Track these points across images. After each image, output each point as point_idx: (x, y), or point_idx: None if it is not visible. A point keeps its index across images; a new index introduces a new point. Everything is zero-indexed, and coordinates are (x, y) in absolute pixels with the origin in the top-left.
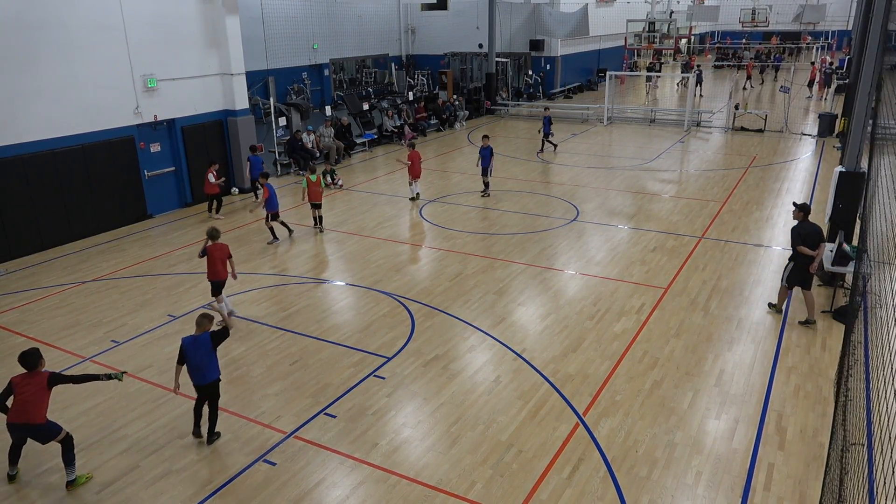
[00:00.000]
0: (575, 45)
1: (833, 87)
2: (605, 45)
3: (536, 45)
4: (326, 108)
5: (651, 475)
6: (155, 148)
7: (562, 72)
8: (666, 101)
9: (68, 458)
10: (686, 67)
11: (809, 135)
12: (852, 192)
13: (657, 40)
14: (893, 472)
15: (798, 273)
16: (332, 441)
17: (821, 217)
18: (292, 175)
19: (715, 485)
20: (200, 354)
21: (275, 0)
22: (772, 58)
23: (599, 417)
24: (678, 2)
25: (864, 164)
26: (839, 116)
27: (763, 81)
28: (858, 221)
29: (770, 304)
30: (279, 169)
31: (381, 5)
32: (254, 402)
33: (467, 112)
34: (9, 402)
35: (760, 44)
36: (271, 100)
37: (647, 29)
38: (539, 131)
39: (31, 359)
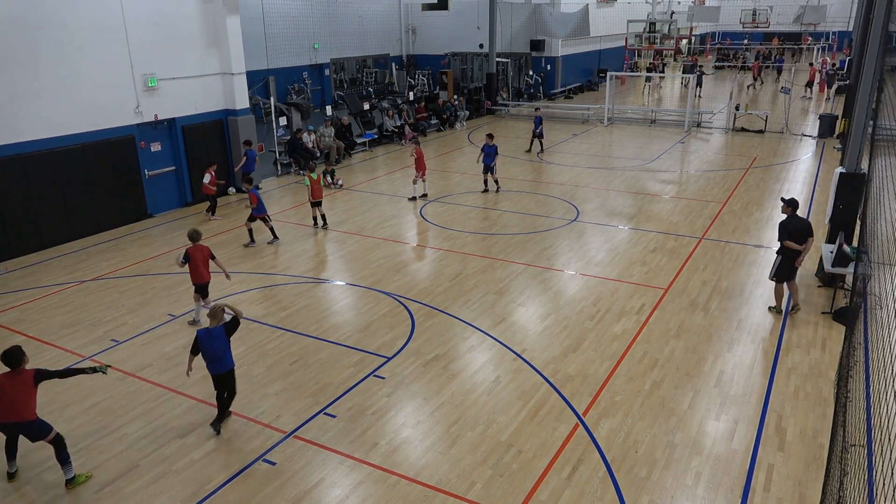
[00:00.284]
0: (575, 45)
1: (834, 87)
2: (605, 45)
3: (537, 45)
4: (327, 107)
5: (651, 476)
6: (155, 147)
7: (562, 72)
8: (668, 102)
9: (62, 456)
10: (692, 68)
11: (810, 136)
12: (853, 193)
13: (658, 41)
14: (893, 473)
15: (786, 267)
16: (331, 441)
17: (821, 218)
18: (293, 175)
19: (715, 485)
20: (216, 346)
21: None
22: (773, 59)
23: (599, 418)
24: (679, 2)
25: (865, 166)
26: (840, 117)
27: (763, 82)
28: (858, 222)
29: (770, 308)
30: (280, 169)
31: (382, 5)
32: (254, 402)
33: (468, 112)
34: None
35: (761, 44)
36: (272, 99)
37: (647, 29)
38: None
39: (13, 357)
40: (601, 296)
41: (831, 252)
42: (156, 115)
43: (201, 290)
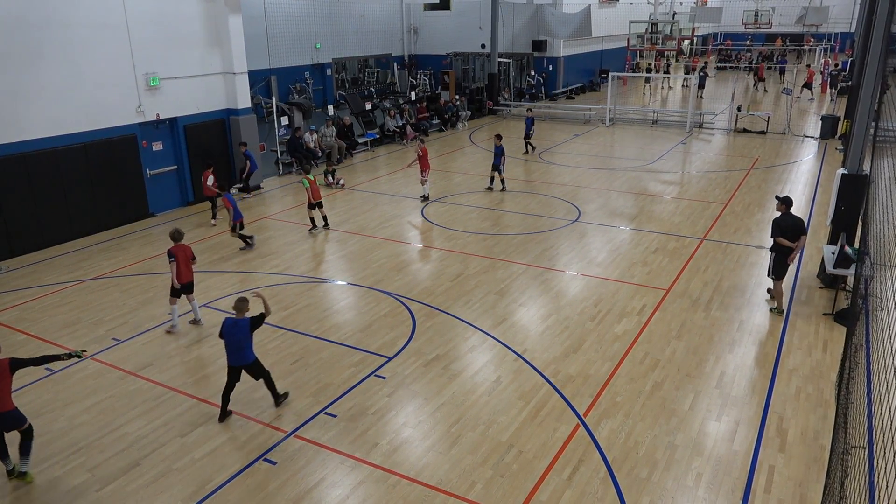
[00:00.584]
0: (577, 45)
1: (837, 88)
2: (607, 45)
3: (539, 45)
4: (329, 107)
5: (651, 477)
6: (157, 146)
7: (564, 72)
8: (670, 103)
9: (27, 448)
10: (697, 69)
11: (812, 137)
12: (854, 194)
13: (660, 41)
14: (894, 475)
15: (780, 264)
16: (332, 440)
17: (823, 219)
18: (294, 174)
19: (715, 487)
20: (239, 337)
21: None
22: (775, 60)
23: (600, 418)
24: (681, 3)
25: (867, 167)
26: (842, 119)
27: (765, 87)
28: (860, 224)
29: (771, 309)
30: (281, 168)
31: (384, 5)
32: (254, 401)
33: (469, 112)
34: None
35: (763, 45)
36: (273, 99)
37: (649, 30)
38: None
39: None
40: (602, 296)
41: (833, 253)
42: (157, 115)
43: (178, 292)
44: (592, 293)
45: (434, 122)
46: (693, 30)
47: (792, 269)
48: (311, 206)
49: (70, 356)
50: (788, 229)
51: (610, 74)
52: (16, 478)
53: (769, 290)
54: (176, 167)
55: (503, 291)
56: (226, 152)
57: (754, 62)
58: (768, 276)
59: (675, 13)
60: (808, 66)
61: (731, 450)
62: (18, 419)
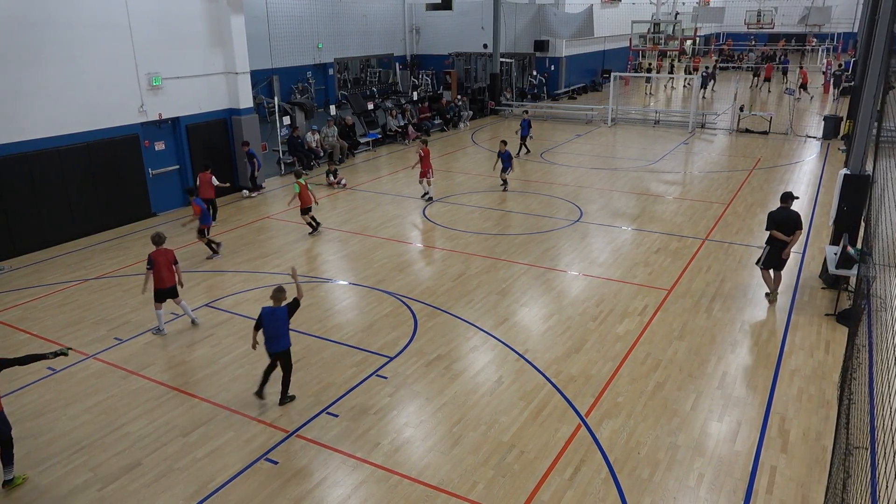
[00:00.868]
0: (579, 45)
1: (840, 88)
2: (609, 45)
3: (541, 45)
4: (330, 107)
5: (653, 477)
6: (159, 146)
7: (566, 72)
8: (673, 103)
9: (8, 456)
10: (709, 72)
11: (814, 137)
12: (857, 194)
13: (662, 41)
14: None
15: (773, 257)
16: (333, 440)
17: (825, 220)
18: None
19: (717, 487)
20: (276, 325)
21: None
22: (778, 60)
23: (602, 419)
24: (683, 3)
25: (869, 167)
26: (844, 119)
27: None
28: (863, 224)
29: (766, 294)
30: (283, 168)
31: (386, 5)
32: (256, 401)
33: (471, 112)
34: None
35: (766, 45)
36: (276, 99)
37: (651, 30)
38: (516, 132)
39: None
40: (604, 296)
41: (835, 254)
42: (160, 114)
43: (162, 296)
44: (594, 293)
45: (436, 122)
46: (696, 30)
47: (794, 269)
48: (303, 212)
49: (56, 354)
50: (783, 223)
51: (612, 74)
52: (9, 487)
53: (767, 295)
54: (178, 167)
55: (505, 291)
56: (228, 152)
57: (756, 62)
58: (756, 264)
59: (677, 13)
60: (801, 67)
61: (732, 450)
62: (4, 423)
